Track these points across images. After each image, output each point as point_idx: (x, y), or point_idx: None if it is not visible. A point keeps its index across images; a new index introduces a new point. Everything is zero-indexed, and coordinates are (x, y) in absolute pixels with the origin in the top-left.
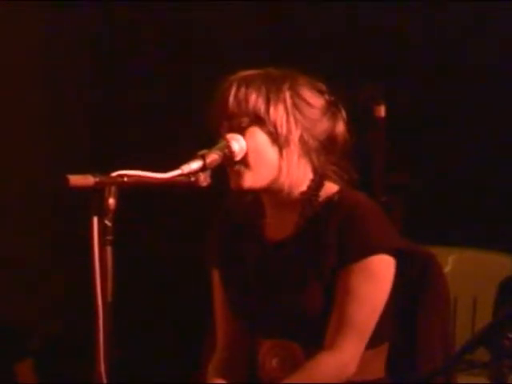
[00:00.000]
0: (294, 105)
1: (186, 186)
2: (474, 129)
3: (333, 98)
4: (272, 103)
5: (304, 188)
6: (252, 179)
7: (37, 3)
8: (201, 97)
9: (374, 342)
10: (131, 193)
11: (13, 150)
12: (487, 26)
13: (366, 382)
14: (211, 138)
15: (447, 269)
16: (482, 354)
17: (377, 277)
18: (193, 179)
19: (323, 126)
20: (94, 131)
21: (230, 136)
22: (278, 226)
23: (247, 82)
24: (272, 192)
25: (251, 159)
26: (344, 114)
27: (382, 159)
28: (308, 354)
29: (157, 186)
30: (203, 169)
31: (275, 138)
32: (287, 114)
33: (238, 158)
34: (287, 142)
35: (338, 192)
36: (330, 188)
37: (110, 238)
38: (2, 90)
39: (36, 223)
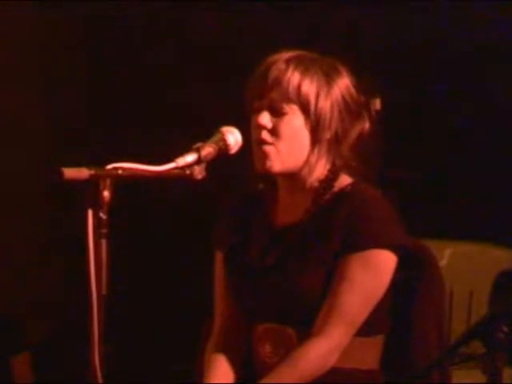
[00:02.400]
0: (340, 102)
1: (181, 179)
2: (470, 122)
3: (365, 98)
4: (322, 96)
5: (321, 177)
6: (280, 164)
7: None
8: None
9: (368, 330)
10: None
11: (11, 144)
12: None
13: (358, 370)
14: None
15: (443, 262)
16: (476, 347)
17: (376, 269)
18: (188, 172)
19: (357, 125)
20: (92, 127)
21: (225, 129)
22: (288, 211)
23: (302, 69)
24: (291, 178)
25: (284, 145)
26: (373, 113)
27: (377, 152)
28: (301, 339)
29: (152, 178)
30: (198, 162)
31: (314, 130)
32: (332, 110)
33: (233, 151)
34: (323, 135)
35: (351, 184)
36: (344, 180)
37: (104, 230)
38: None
39: (31, 216)
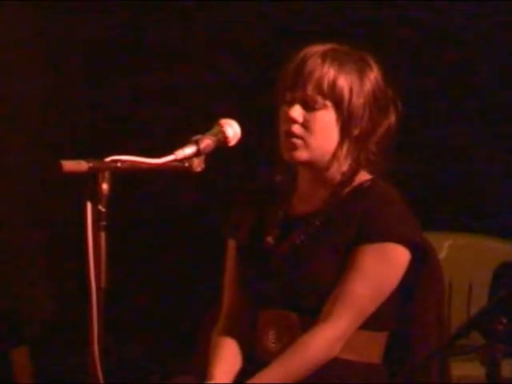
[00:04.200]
0: (371, 99)
1: (180, 172)
2: (466, 115)
3: (392, 93)
4: (355, 93)
5: (343, 170)
6: (308, 155)
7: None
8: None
9: (375, 325)
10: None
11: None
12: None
13: (362, 363)
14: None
15: (442, 255)
16: (475, 339)
17: (388, 262)
18: (187, 164)
19: (385, 120)
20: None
21: (223, 121)
22: (306, 201)
23: (337, 64)
24: (314, 169)
25: (313, 139)
26: (399, 108)
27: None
28: (305, 328)
29: (150, 171)
30: (197, 154)
31: (344, 126)
32: (364, 107)
33: (232, 143)
34: (353, 131)
35: (371, 180)
36: (364, 176)
37: (103, 223)
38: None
39: (28, 209)
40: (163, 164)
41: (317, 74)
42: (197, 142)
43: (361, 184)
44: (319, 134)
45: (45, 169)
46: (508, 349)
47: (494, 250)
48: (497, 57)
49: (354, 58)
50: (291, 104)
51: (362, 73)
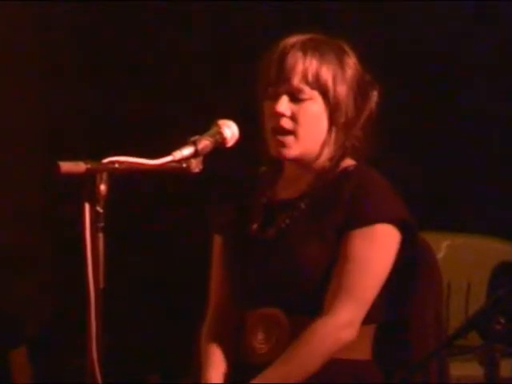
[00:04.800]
0: (354, 84)
1: (178, 173)
2: (469, 115)
3: (370, 78)
4: (338, 80)
5: (327, 157)
6: (298, 150)
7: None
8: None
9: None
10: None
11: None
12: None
13: (350, 361)
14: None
15: (440, 254)
16: (474, 339)
17: (379, 244)
18: (184, 165)
19: (367, 105)
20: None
21: (221, 122)
22: (291, 186)
23: (319, 55)
24: (303, 160)
25: (302, 131)
26: (377, 90)
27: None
28: (292, 322)
29: (148, 172)
30: (195, 155)
31: (332, 114)
32: (348, 93)
33: (230, 144)
34: (340, 119)
35: (354, 166)
36: (348, 162)
37: (101, 224)
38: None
39: (25, 211)
40: (161, 165)
41: (300, 66)
42: (195, 143)
43: (345, 168)
44: (309, 125)
45: (43, 170)
46: (506, 349)
47: (492, 249)
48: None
49: (332, 46)
50: (275, 98)
51: (342, 61)
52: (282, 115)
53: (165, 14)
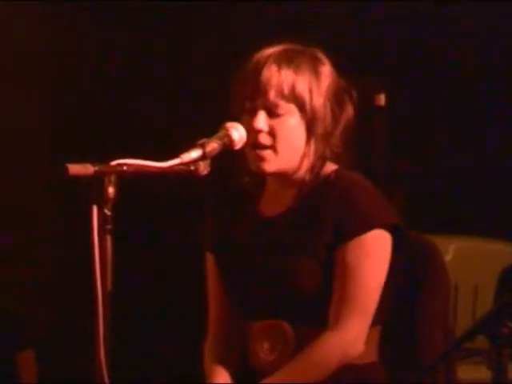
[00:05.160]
0: (330, 94)
1: (186, 175)
2: (475, 116)
3: (345, 84)
4: (314, 92)
5: (307, 167)
6: (277, 164)
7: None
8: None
9: None
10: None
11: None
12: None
13: (355, 365)
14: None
15: (448, 257)
16: (481, 343)
17: (373, 252)
18: (192, 168)
19: (344, 112)
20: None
21: (229, 124)
22: (275, 203)
23: (294, 67)
24: (283, 173)
25: (281, 146)
26: (354, 96)
27: (382, 147)
28: (297, 333)
29: (156, 174)
30: (203, 157)
31: (309, 126)
32: (325, 104)
33: (238, 146)
34: (317, 130)
35: (335, 171)
36: (329, 167)
37: (109, 227)
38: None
39: (33, 213)
40: (169, 167)
41: (275, 80)
42: (202, 146)
43: (327, 176)
44: (287, 139)
45: (51, 172)
46: None
47: (500, 252)
48: None
49: (306, 56)
50: (252, 113)
51: (317, 71)
52: (260, 131)
53: (169, 15)
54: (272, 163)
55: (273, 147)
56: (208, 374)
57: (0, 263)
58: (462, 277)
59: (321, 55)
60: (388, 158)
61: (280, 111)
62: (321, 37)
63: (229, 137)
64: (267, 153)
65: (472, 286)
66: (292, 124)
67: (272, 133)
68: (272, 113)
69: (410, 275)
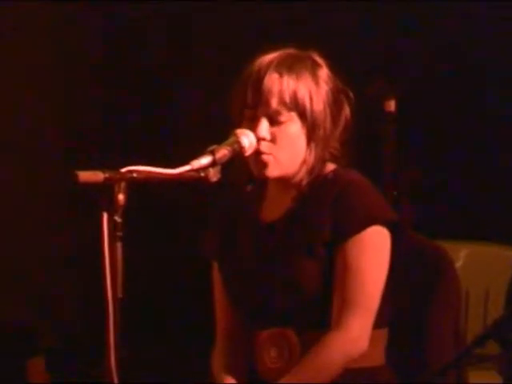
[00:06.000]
0: (329, 98)
1: (196, 182)
2: (487, 121)
3: (342, 85)
4: (314, 98)
5: (306, 170)
6: (279, 169)
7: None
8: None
9: (374, 323)
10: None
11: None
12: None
13: (364, 368)
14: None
15: (459, 263)
16: (492, 348)
17: (372, 249)
18: (202, 175)
19: (342, 114)
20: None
21: (239, 131)
22: (274, 207)
23: (294, 75)
24: (285, 178)
25: (283, 153)
26: (351, 96)
27: (392, 153)
28: (303, 340)
29: (166, 181)
30: (213, 164)
31: (310, 131)
32: (325, 109)
33: (248, 153)
34: (318, 135)
35: (333, 171)
36: (327, 167)
37: (119, 233)
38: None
39: (45, 222)
40: (179, 174)
41: (277, 88)
42: (213, 152)
43: (325, 176)
44: (288, 146)
45: (61, 179)
46: None
47: (510, 258)
48: None
49: (305, 61)
50: (253, 120)
51: (316, 76)
52: (263, 140)
53: (179, 18)
54: (274, 169)
55: (274, 154)
56: (216, 382)
57: (14, 272)
58: (473, 282)
59: (317, 58)
60: (397, 164)
61: (282, 119)
62: (331, 42)
63: (239, 143)
64: (269, 159)
65: (483, 292)
66: (293, 131)
67: (274, 140)
68: (274, 120)
69: (421, 282)
